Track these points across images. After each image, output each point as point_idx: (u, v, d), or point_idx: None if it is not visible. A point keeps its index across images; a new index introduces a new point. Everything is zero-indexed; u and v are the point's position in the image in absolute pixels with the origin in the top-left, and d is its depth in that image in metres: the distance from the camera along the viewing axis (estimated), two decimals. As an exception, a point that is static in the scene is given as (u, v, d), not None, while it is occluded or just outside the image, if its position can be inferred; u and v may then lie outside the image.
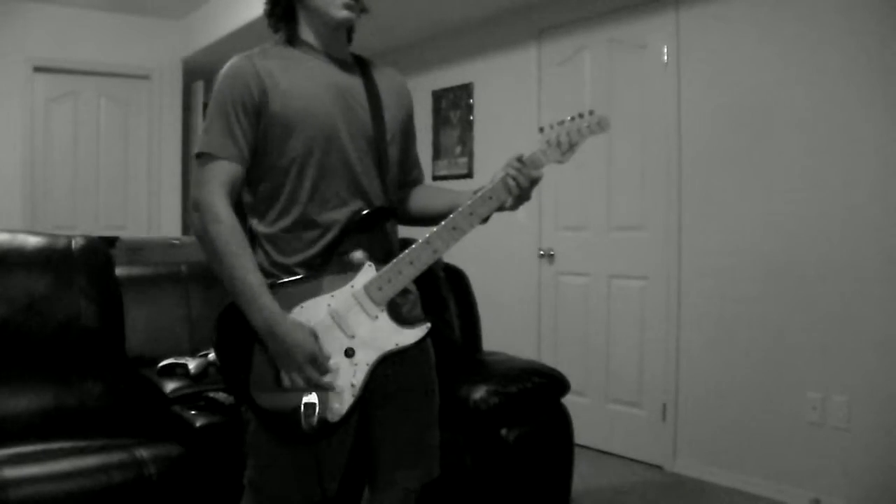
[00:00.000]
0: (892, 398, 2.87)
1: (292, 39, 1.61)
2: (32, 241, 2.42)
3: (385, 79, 1.68)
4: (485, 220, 1.57)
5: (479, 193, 1.56)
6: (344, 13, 1.55)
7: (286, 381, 1.47)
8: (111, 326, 2.47)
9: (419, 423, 1.66)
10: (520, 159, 1.55)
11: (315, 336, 1.46)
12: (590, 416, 3.85)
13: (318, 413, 1.46)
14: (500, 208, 1.57)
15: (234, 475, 1.62)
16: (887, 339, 2.88)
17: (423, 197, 1.77)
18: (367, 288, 1.52)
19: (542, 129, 1.59)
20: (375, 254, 1.56)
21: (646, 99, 3.73)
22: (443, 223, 1.54)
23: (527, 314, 4.31)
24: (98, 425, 2.28)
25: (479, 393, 2.57)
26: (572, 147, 1.58)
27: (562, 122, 1.58)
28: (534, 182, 1.55)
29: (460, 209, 1.55)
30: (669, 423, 3.61)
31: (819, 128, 3.08)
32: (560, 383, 2.78)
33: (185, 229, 5.75)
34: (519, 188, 1.54)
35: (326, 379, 1.47)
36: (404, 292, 1.58)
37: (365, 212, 1.57)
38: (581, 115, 1.58)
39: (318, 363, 1.45)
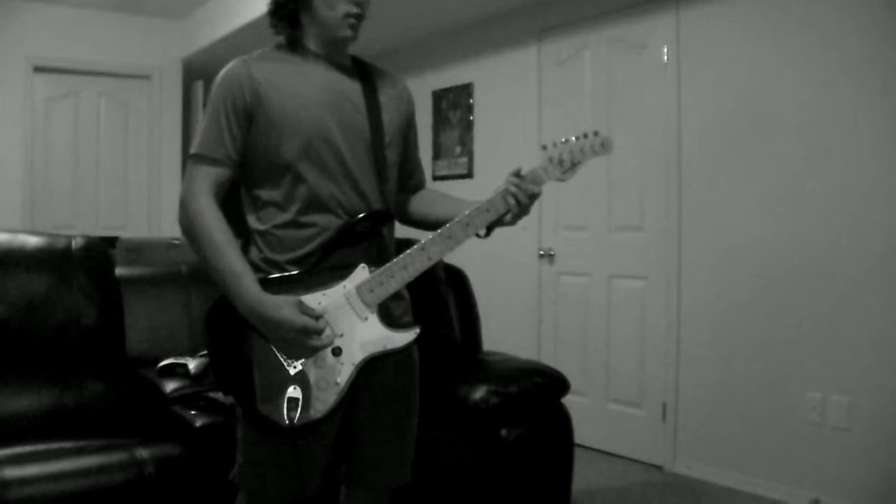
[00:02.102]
0: (892, 398, 2.87)
1: (293, 44, 1.63)
2: (32, 241, 2.42)
3: (385, 83, 1.70)
4: (486, 233, 1.58)
5: (478, 205, 1.57)
6: (349, 33, 1.59)
7: (286, 362, 1.48)
8: (111, 326, 2.46)
9: (397, 428, 1.68)
10: (518, 174, 1.57)
11: (300, 304, 1.46)
12: (590, 416, 3.85)
13: (301, 408, 1.47)
14: (500, 223, 1.58)
15: (229, 474, 1.62)
16: (887, 339, 2.88)
17: (425, 203, 1.77)
18: (359, 289, 1.53)
19: (544, 147, 1.60)
20: (371, 256, 1.57)
21: (646, 99, 3.73)
22: (439, 231, 1.55)
23: (527, 314, 4.31)
24: (98, 425, 2.28)
25: (479, 393, 2.57)
26: (574, 166, 1.60)
27: (565, 141, 1.59)
28: (532, 198, 1.57)
29: (457, 219, 1.56)
30: (669, 423, 3.61)
31: (819, 127, 3.08)
32: (560, 383, 2.77)
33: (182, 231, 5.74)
34: (517, 203, 1.56)
35: (322, 344, 1.48)
36: (397, 297, 1.59)
37: (362, 216, 1.58)
38: (585, 136, 1.59)
39: (310, 331, 1.45)
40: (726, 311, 3.40)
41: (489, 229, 1.58)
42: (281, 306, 1.45)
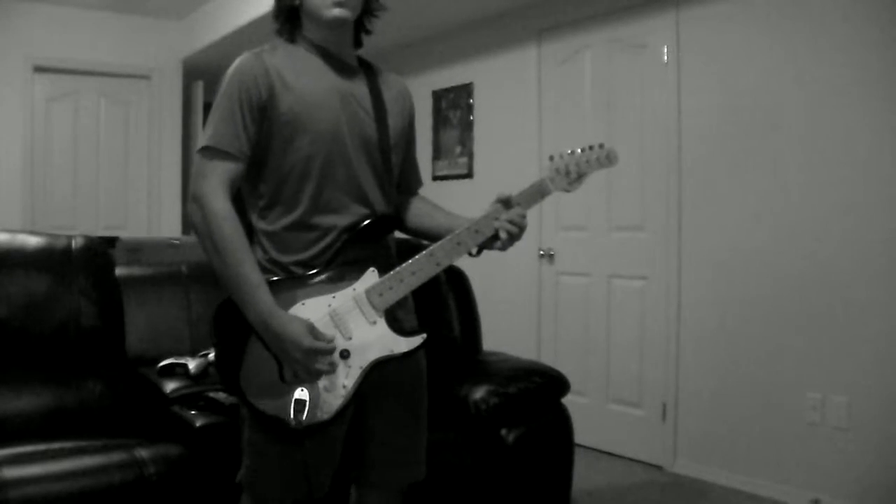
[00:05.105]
0: (892, 398, 2.87)
1: (295, 38, 1.62)
2: (32, 241, 2.42)
3: (389, 85, 1.70)
4: (478, 253, 1.60)
5: (485, 214, 1.59)
6: (335, 12, 1.55)
7: (288, 376, 1.47)
8: (111, 326, 2.46)
9: (408, 428, 1.68)
10: (506, 200, 1.58)
11: (311, 328, 1.46)
12: (590, 416, 3.85)
13: (308, 410, 1.47)
14: (490, 247, 1.59)
15: (233, 475, 1.62)
16: (887, 339, 2.88)
17: (423, 213, 1.76)
18: (368, 292, 1.53)
19: (551, 158, 1.63)
20: (379, 260, 1.57)
21: (646, 99, 3.73)
22: (448, 237, 1.56)
23: (527, 314, 4.31)
24: (98, 425, 2.28)
25: (479, 393, 2.57)
26: (580, 177, 1.63)
27: (571, 153, 1.62)
28: (521, 227, 1.58)
29: (466, 226, 1.57)
30: (669, 423, 3.61)
31: (819, 127, 3.08)
32: (560, 383, 2.77)
33: (186, 229, 5.75)
34: (508, 235, 1.57)
35: (326, 370, 1.47)
36: (403, 301, 1.59)
37: (369, 221, 1.57)
38: (591, 148, 1.63)
39: (316, 354, 1.45)
40: (726, 311, 3.40)
41: (479, 250, 1.60)
42: (291, 324, 1.44)
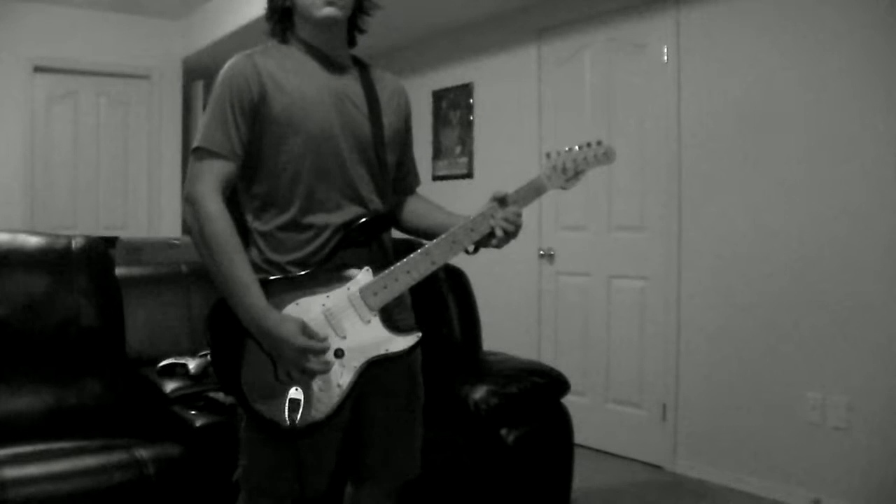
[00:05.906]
0: (892, 398, 2.87)
1: (287, 39, 1.63)
2: (32, 241, 2.42)
3: (384, 84, 1.69)
4: (475, 250, 1.59)
5: (481, 212, 1.58)
6: (325, 11, 1.55)
7: (282, 375, 1.47)
8: (111, 326, 2.47)
9: (403, 426, 1.69)
10: (503, 199, 1.58)
11: (304, 327, 1.45)
12: (590, 416, 3.85)
13: (302, 410, 1.47)
14: (487, 244, 1.59)
15: (233, 475, 1.62)
16: (887, 339, 2.88)
17: (421, 212, 1.76)
18: (362, 291, 1.52)
19: (548, 155, 1.63)
20: (374, 258, 1.57)
21: (646, 99, 3.73)
22: (443, 236, 1.56)
23: (527, 314, 4.31)
24: (98, 425, 2.28)
25: (478, 393, 2.57)
26: (577, 175, 1.63)
27: (569, 150, 1.62)
28: (517, 224, 1.57)
29: (461, 224, 1.57)
30: (669, 423, 3.61)
31: (819, 127, 3.08)
32: (560, 383, 2.77)
33: (185, 229, 5.75)
34: (504, 233, 1.57)
35: (320, 369, 1.46)
36: (399, 300, 1.59)
37: (365, 219, 1.57)
38: (588, 145, 1.62)
39: (310, 354, 1.44)
40: (726, 311, 3.40)
41: (476, 247, 1.59)
42: (283, 323, 1.43)
